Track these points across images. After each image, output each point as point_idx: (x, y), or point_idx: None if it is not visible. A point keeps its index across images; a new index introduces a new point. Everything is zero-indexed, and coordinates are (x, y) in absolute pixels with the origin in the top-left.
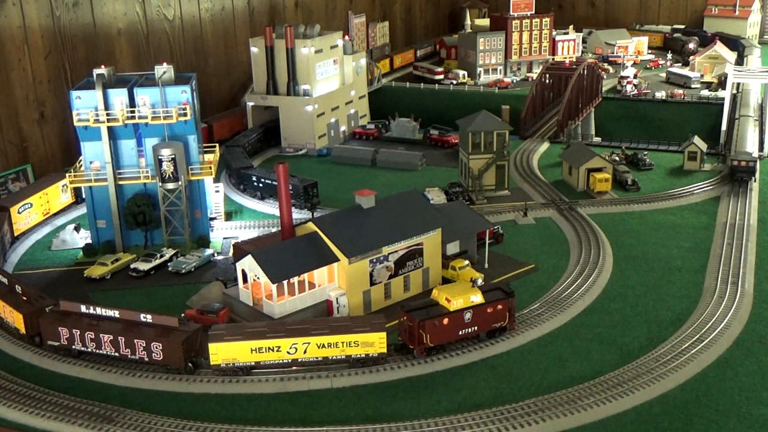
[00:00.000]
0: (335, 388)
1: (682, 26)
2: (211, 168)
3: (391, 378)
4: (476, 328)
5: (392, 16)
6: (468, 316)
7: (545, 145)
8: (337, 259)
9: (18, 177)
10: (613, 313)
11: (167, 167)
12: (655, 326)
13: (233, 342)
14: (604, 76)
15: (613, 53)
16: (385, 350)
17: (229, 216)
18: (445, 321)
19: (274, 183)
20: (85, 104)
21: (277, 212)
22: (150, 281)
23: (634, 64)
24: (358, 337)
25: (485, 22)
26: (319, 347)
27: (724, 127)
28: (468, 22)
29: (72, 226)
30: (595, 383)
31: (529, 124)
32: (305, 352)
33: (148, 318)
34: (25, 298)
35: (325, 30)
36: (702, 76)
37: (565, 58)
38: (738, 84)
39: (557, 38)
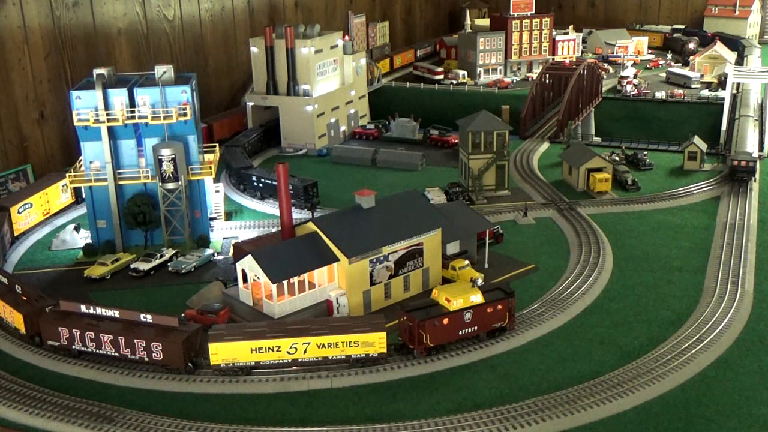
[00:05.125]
0: (335, 388)
1: (682, 26)
2: (211, 168)
3: (391, 378)
4: (476, 328)
5: (392, 16)
6: (468, 316)
7: (545, 145)
8: (337, 259)
9: (18, 177)
10: (613, 313)
11: (167, 167)
12: (655, 326)
13: (233, 342)
14: (604, 76)
15: (613, 53)
16: (385, 350)
17: (229, 216)
18: (445, 321)
19: (274, 183)
20: (85, 104)
21: (277, 212)
22: (150, 281)
23: (634, 64)
24: (358, 337)
25: (485, 22)
26: (319, 347)
27: (724, 127)
28: (468, 22)
29: (72, 226)
30: (595, 383)
31: (529, 124)
32: (305, 352)
33: (148, 318)
34: (25, 298)
35: (325, 30)
36: (702, 76)
37: (565, 58)
38: (738, 84)
39: (557, 38)
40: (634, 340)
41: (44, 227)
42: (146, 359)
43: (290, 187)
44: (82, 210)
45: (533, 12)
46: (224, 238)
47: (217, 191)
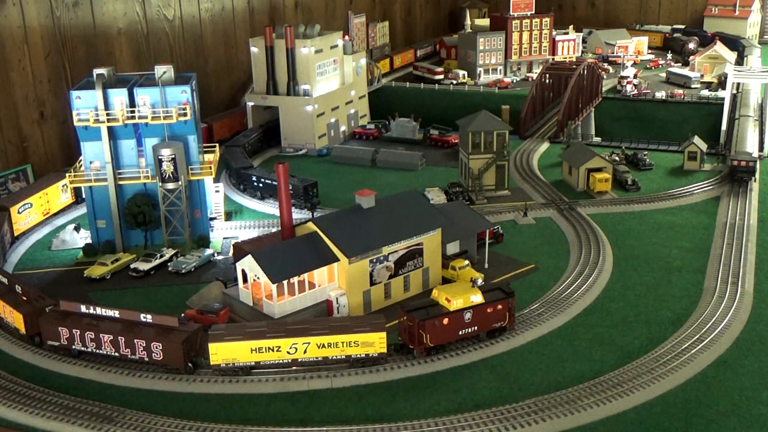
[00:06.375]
0: (335, 388)
1: (682, 26)
2: (211, 168)
3: (391, 378)
4: (476, 328)
5: (392, 16)
6: (468, 316)
7: (545, 145)
8: (337, 259)
9: (18, 177)
10: (613, 313)
11: (167, 167)
12: (655, 326)
13: (233, 342)
14: (604, 76)
15: (613, 53)
16: (385, 350)
17: (229, 216)
18: (445, 321)
19: (274, 183)
20: (85, 104)
21: (277, 212)
22: (150, 281)
23: (634, 64)
24: (358, 337)
25: (485, 22)
26: (319, 347)
27: (724, 127)
28: (468, 22)
29: (72, 226)
30: (595, 383)
31: (529, 124)
32: (305, 352)
33: (148, 318)
34: (25, 298)
35: (325, 30)
36: (702, 76)
37: (565, 58)
38: (738, 84)
39: (557, 38)
40: (634, 340)
41: (44, 227)
42: (146, 359)
43: (290, 187)
44: (82, 210)
45: (533, 12)
46: (224, 238)
47: (217, 191)
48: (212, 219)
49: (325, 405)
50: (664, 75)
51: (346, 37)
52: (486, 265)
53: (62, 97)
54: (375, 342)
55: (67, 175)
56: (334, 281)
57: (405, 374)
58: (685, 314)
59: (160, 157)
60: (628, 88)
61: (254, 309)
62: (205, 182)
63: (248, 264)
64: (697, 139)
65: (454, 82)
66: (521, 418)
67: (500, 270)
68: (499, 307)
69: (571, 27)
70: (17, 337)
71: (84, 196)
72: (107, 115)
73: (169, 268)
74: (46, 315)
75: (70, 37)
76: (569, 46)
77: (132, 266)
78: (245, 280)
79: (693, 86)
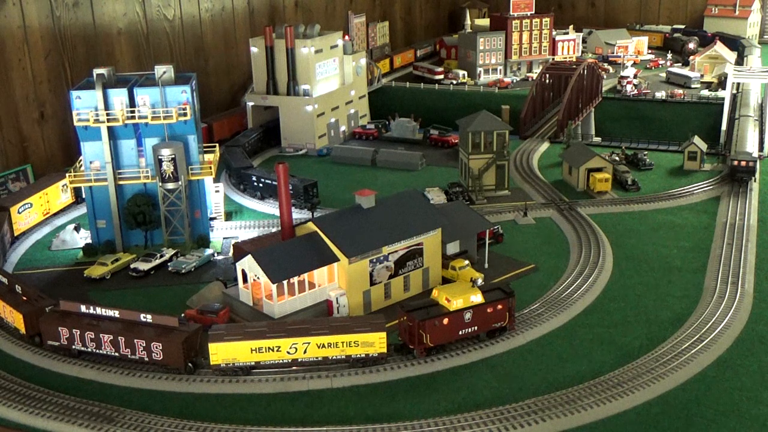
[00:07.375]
0: (335, 388)
1: (682, 26)
2: (211, 168)
3: (391, 378)
4: (476, 328)
5: (392, 16)
6: (468, 316)
7: (545, 145)
8: (337, 259)
9: (18, 177)
10: (613, 313)
11: (167, 167)
12: (655, 326)
13: (233, 342)
14: (604, 76)
15: (613, 53)
16: (385, 350)
17: (229, 216)
18: (445, 321)
19: (274, 183)
20: (85, 104)
21: (277, 212)
22: (150, 281)
23: (634, 64)
24: (358, 337)
25: (485, 22)
26: (319, 347)
27: (724, 127)
28: (468, 22)
29: (72, 226)
30: (595, 383)
31: (529, 124)
32: (305, 352)
33: (148, 318)
34: (25, 298)
35: (325, 30)
36: (702, 76)
37: (565, 58)
38: (738, 84)
39: (557, 38)
40: (634, 340)
41: (44, 227)
42: (146, 359)
43: (290, 187)
44: (82, 210)
45: (533, 12)
46: (224, 238)
47: (217, 191)
48: (212, 219)
49: (325, 405)
50: (664, 75)
51: (346, 37)
52: (486, 265)
53: (62, 97)
54: (375, 342)
55: (67, 175)
56: (334, 281)
57: (405, 374)
58: (685, 314)
59: (160, 157)
60: (628, 88)
61: (254, 309)
62: (205, 182)
63: (248, 264)
64: (697, 139)
65: (454, 82)
66: (521, 418)
67: (500, 270)
68: (499, 307)
69: (571, 27)
70: (17, 337)
71: (84, 196)
72: (107, 115)
73: (169, 268)
74: (46, 315)
75: (70, 37)
76: (569, 46)
77: (132, 266)
78: (245, 280)
79: (693, 86)
